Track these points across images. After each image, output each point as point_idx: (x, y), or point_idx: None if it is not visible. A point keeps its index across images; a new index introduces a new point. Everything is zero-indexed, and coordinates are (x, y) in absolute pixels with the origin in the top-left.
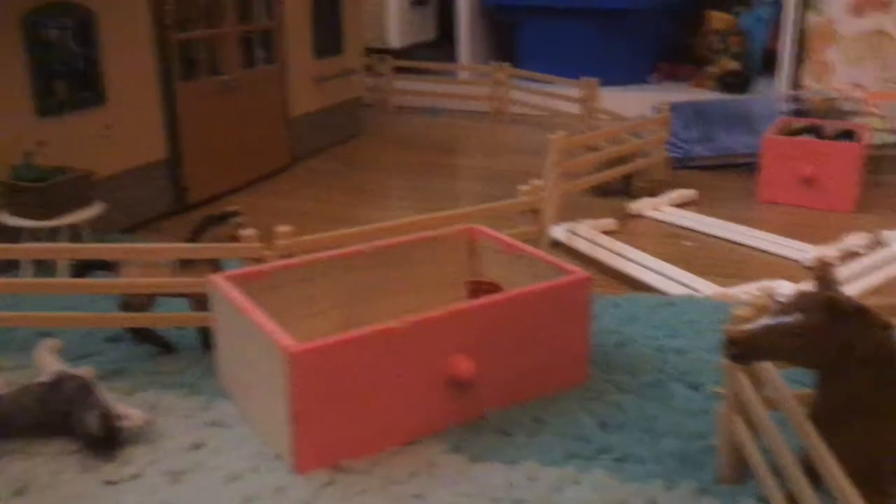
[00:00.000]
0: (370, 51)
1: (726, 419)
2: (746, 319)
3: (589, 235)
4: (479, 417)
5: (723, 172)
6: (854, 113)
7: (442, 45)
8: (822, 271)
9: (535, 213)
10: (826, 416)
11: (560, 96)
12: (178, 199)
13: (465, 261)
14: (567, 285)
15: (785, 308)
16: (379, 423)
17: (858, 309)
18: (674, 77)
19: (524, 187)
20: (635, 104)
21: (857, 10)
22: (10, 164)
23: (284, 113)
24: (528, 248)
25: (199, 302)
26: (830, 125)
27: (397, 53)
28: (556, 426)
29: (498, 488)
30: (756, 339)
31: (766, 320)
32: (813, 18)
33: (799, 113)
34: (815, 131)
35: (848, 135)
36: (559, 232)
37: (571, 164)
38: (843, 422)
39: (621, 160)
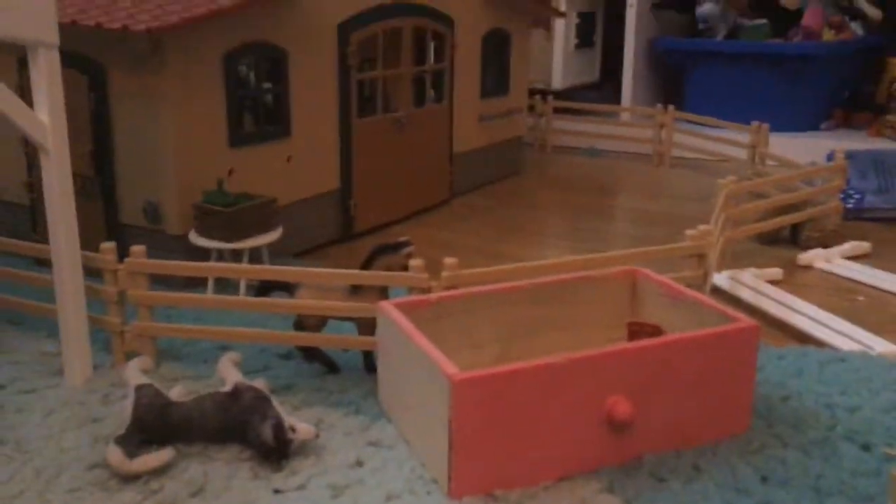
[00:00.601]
0: (533, 91)
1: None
2: None
3: (753, 284)
4: (635, 460)
5: None
6: None
7: (604, 86)
8: None
9: (700, 257)
10: None
11: (727, 141)
12: (346, 228)
13: (626, 302)
14: (733, 333)
15: None
16: (534, 456)
17: None
18: (849, 125)
19: (691, 231)
20: (806, 151)
21: None
22: (203, 188)
23: (449, 150)
24: (693, 292)
25: (366, 326)
26: None
27: (559, 94)
28: (714, 476)
29: None
30: None
31: None
32: None
33: None
34: None
35: None
36: (722, 279)
37: (739, 210)
38: None
39: (791, 208)
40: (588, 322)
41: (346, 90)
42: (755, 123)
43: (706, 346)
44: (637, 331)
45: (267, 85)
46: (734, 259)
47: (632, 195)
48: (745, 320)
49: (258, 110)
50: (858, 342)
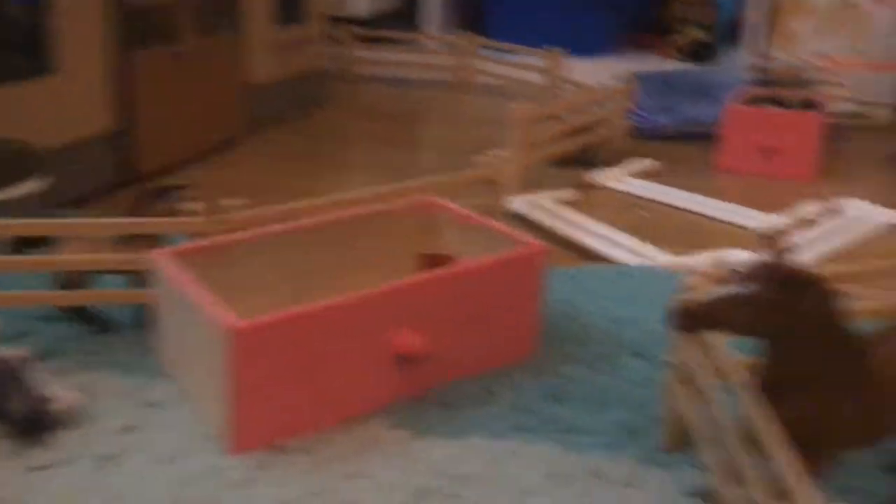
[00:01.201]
0: (334, 20)
1: (670, 389)
2: (697, 289)
3: (549, 207)
4: (426, 393)
5: (686, 143)
6: (819, 83)
7: (408, 14)
8: (772, 241)
9: (492, 183)
10: (773, 386)
11: (526, 66)
12: (126, 172)
13: (420, 235)
14: (519, 257)
15: (739, 278)
16: (322, 400)
17: (812, 279)
18: (641, 47)
19: (481, 158)
20: (602, 74)
21: None
22: None
23: (241, 82)
24: (484, 219)
25: (138, 279)
26: (792, 95)
27: (361, 23)
28: (504, 399)
29: (440, 463)
30: (710, 309)
31: (719, 291)
32: None
33: (765, 83)
34: (778, 101)
35: (810, 105)
36: (520, 204)
37: (533, 134)
38: (790, 391)
39: (582, 130)
40: (382, 258)
41: (116, 18)
42: (549, 48)
43: (493, 272)
44: (428, 263)
45: (21, 13)
46: (533, 183)
47: (436, 124)
48: (533, 244)
49: (11, 41)
50: (643, 256)
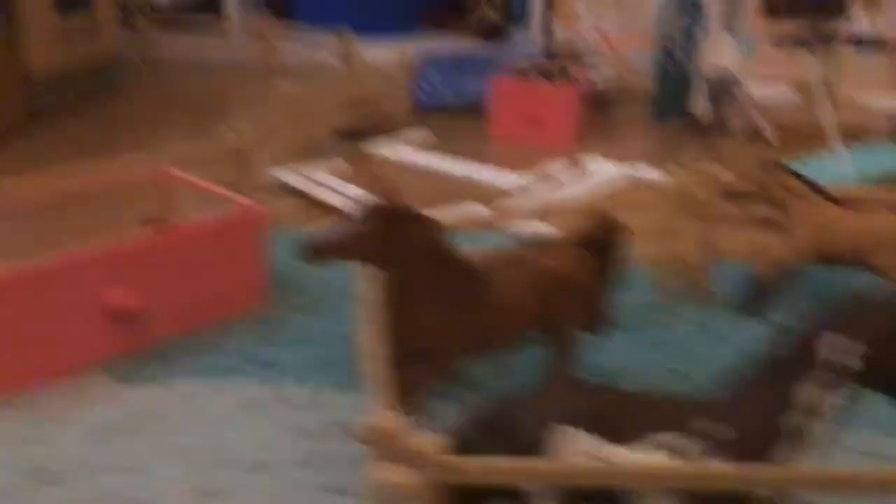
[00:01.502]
0: (132, 5)
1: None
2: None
3: (317, 177)
4: (147, 346)
5: (468, 116)
6: (593, 57)
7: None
8: (386, 187)
9: (238, 154)
10: (393, 304)
11: (324, 48)
12: None
13: (155, 203)
14: (236, 220)
15: (355, 216)
16: (37, 357)
17: (413, 215)
18: (439, 27)
19: (226, 130)
20: (396, 54)
21: None
22: None
23: (18, 73)
24: (214, 188)
25: None
26: (556, 67)
27: (163, 8)
28: (219, 348)
29: (146, 405)
30: (329, 243)
31: (340, 226)
32: None
33: (549, 58)
34: (544, 73)
35: (570, 77)
36: (288, 175)
37: (306, 108)
38: (407, 307)
39: (362, 104)
40: (117, 227)
41: None
42: (343, 29)
43: (208, 234)
44: (154, 228)
45: None
46: (310, 155)
47: (236, 107)
48: (251, 208)
49: None
50: None
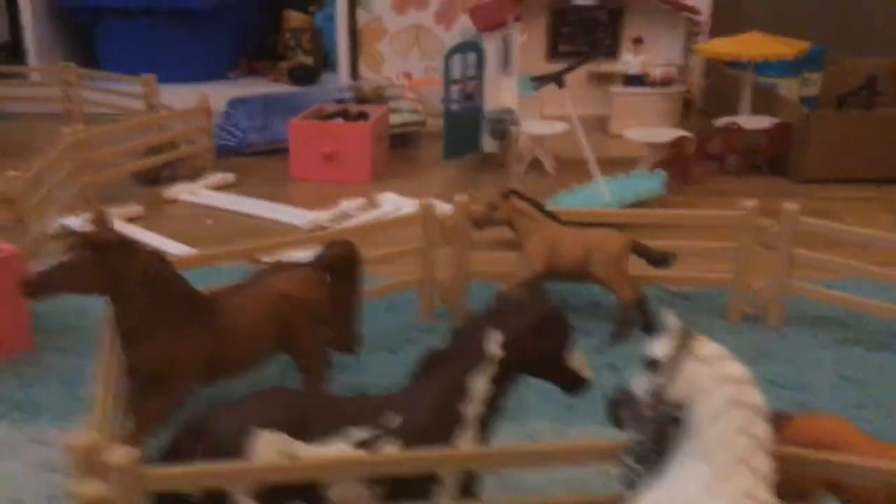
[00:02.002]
0: None
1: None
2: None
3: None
4: None
5: (273, 158)
6: (397, 98)
7: (14, 46)
8: (96, 216)
9: (9, 203)
10: (125, 333)
11: (128, 94)
12: None
13: None
14: None
15: (70, 247)
16: None
17: (120, 242)
18: (253, 72)
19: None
20: (214, 98)
21: (400, 8)
22: None
23: None
24: None
25: None
26: (355, 108)
27: None
28: None
29: None
30: (46, 277)
31: (57, 259)
32: (364, 16)
33: (358, 101)
34: (344, 115)
35: (365, 117)
36: (76, 222)
37: (91, 155)
38: (139, 334)
39: (159, 149)
40: None
41: None
42: (144, 75)
43: None
44: None
45: None
46: (103, 200)
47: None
48: (10, 252)
49: None
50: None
